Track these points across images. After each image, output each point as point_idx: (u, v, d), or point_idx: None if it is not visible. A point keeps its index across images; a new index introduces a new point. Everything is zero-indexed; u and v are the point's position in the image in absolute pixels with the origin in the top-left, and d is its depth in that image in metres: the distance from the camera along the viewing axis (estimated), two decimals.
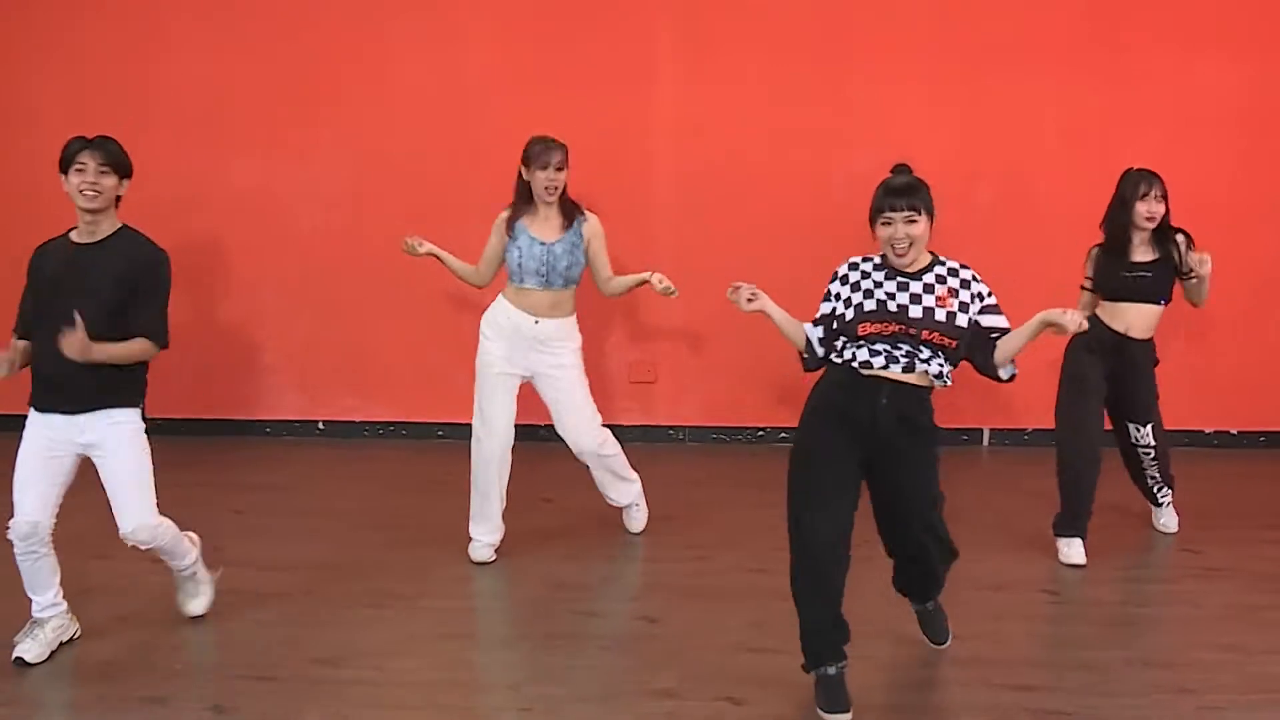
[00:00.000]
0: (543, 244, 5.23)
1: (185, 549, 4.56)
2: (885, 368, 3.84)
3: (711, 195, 6.97)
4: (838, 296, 3.97)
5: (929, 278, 3.87)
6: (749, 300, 4.04)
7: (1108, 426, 5.51)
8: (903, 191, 3.84)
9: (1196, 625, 4.71)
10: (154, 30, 7.04)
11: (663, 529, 5.75)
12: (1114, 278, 5.30)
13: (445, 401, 7.32)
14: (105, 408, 4.26)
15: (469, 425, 7.35)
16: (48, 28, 7.08)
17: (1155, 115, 6.69)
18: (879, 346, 3.84)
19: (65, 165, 4.21)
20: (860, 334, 3.85)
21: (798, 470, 3.91)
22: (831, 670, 3.94)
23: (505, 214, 5.35)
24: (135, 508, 4.31)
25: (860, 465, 3.91)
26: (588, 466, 5.56)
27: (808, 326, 4.08)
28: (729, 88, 6.95)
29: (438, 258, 5.53)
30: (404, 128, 7.04)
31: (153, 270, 4.29)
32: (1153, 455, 5.51)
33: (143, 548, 4.38)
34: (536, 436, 7.07)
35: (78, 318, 4.01)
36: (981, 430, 7.25)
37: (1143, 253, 5.30)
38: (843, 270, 4.00)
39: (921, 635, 4.42)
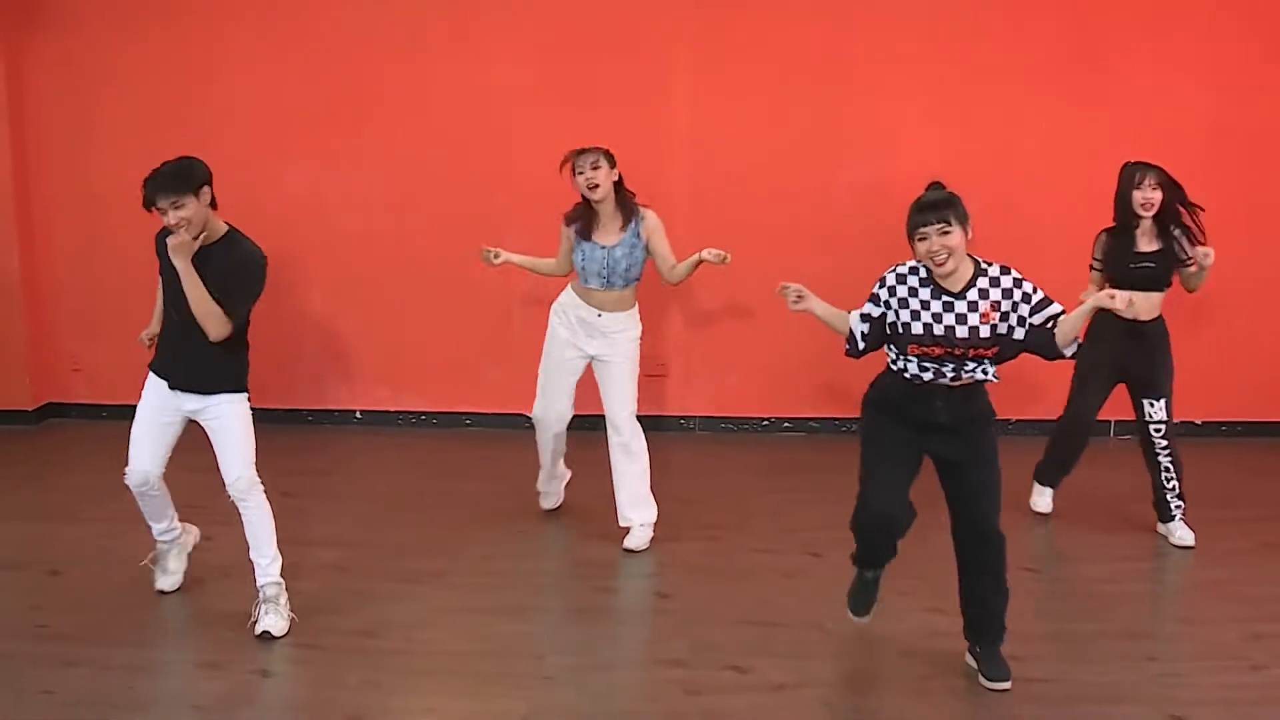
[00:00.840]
0: (604, 248, 5.21)
1: (269, 532, 4.46)
2: (935, 380, 3.83)
3: (722, 203, 6.98)
4: (887, 305, 3.88)
5: (972, 294, 3.76)
6: (796, 300, 4.03)
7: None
8: (933, 206, 3.74)
9: (1161, 599, 4.76)
10: (213, 52, 7.07)
11: (676, 511, 5.75)
12: (1121, 267, 5.27)
13: (474, 393, 7.37)
14: (214, 393, 4.37)
15: (496, 415, 7.42)
16: (118, 50, 7.13)
17: (1130, 133, 6.68)
18: (928, 364, 3.82)
19: (148, 206, 4.20)
20: (910, 353, 3.82)
21: (866, 444, 3.98)
22: (869, 575, 4.08)
23: (564, 223, 5.35)
24: (239, 462, 4.39)
25: (922, 450, 3.93)
26: (614, 479, 5.42)
27: (853, 318, 4.00)
28: (739, 104, 6.96)
29: (516, 264, 5.56)
30: (440, 141, 7.07)
31: (247, 265, 4.29)
32: (1163, 433, 5.38)
33: (241, 499, 4.41)
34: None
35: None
36: None
37: (1146, 243, 5.28)
38: (891, 280, 3.88)
39: (980, 681, 4.05)
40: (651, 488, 5.40)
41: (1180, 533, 5.37)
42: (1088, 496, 5.84)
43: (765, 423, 7.32)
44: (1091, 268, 5.42)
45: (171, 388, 4.39)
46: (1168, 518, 5.42)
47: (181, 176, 4.14)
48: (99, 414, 7.43)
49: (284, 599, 4.45)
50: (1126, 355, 5.33)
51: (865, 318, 3.95)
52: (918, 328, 3.78)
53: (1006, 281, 3.77)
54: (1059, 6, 6.83)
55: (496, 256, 5.49)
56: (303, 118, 7.11)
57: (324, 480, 6.30)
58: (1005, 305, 3.75)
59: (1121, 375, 5.41)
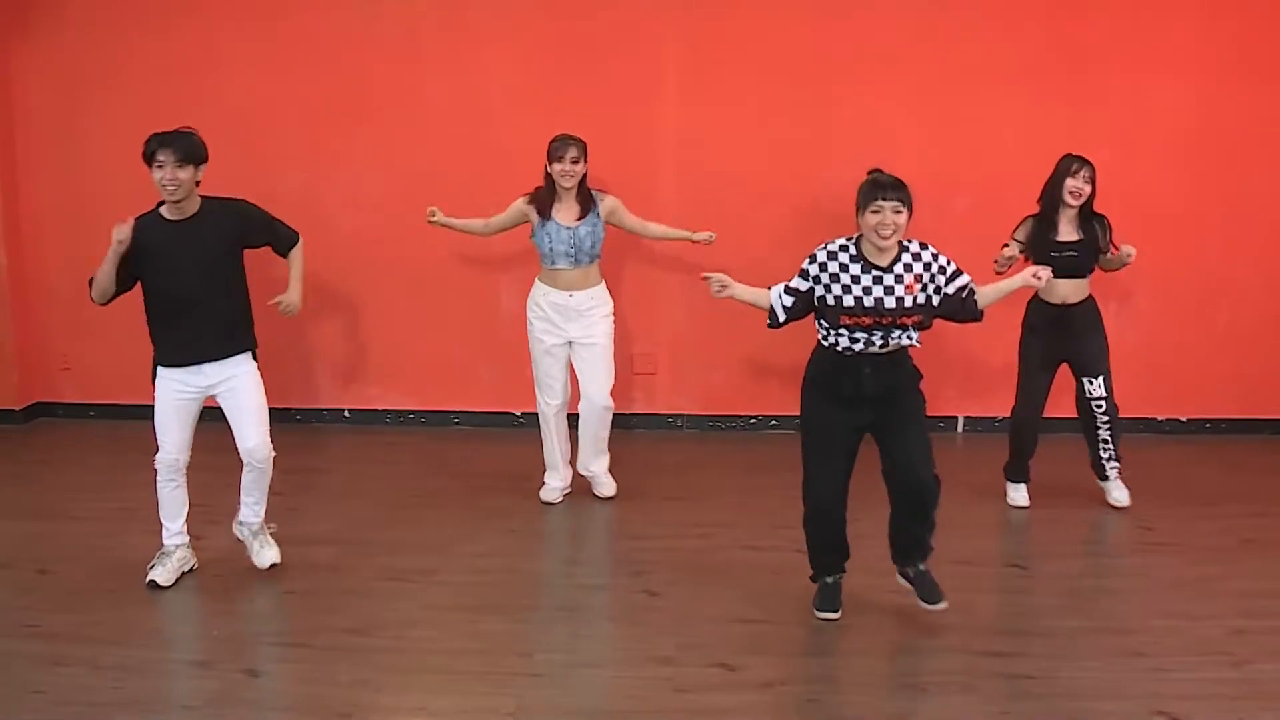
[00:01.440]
0: (568, 228, 5.56)
1: (267, 486, 4.89)
2: (865, 349, 4.13)
3: (711, 202, 6.97)
4: (816, 280, 4.17)
5: (898, 268, 4.10)
6: (720, 289, 4.36)
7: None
8: (892, 186, 4.06)
9: (1148, 595, 4.75)
10: (206, 52, 7.03)
11: (664, 509, 5.76)
12: (1043, 255, 5.37)
13: (463, 392, 7.34)
14: (232, 354, 4.66)
15: (485, 413, 7.43)
16: (113, 50, 7.08)
17: (1111, 132, 6.70)
18: (858, 334, 4.12)
19: (148, 160, 4.42)
20: (841, 323, 4.11)
21: (806, 436, 4.34)
22: (829, 580, 4.45)
23: (524, 200, 5.70)
24: (258, 430, 4.72)
25: (856, 430, 4.26)
26: (580, 435, 5.85)
27: (774, 293, 4.31)
28: (727, 106, 6.95)
29: (448, 225, 5.92)
30: (432, 141, 7.04)
31: (246, 213, 4.71)
32: (1104, 409, 5.56)
33: (258, 465, 4.76)
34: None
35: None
36: (956, 418, 7.26)
37: (1068, 232, 5.47)
38: (821, 257, 4.18)
39: (919, 604, 4.39)
40: (640, 485, 5.62)
41: (1116, 493, 5.68)
42: (1072, 493, 5.85)
43: (753, 420, 7.31)
44: (1008, 243, 5.52)
45: (190, 363, 4.59)
46: (1104, 477, 5.72)
47: (195, 144, 4.46)
48: (88, 413, 7.40)
49: (268, 534, 4.92)
50: (1061, 338, 5.55)
51: (791, 291, 4.26)
52: (849, 300, 4.09)
53: (926, 256, 4.14)
54: (1043, 7, 6.83)
55: (433, 215, 5.85)
56: (295, 119, 7.07)
57: (313, 479, 6.27)
58: (925, 277, 4.12)
59: (1061, 356, 5.61)
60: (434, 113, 7.04)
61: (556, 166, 5.52)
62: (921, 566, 4.39)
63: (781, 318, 4.31)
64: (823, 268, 4.15)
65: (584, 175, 5.60)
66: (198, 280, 4.53)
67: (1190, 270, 6.98)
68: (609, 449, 5.96)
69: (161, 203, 4.54)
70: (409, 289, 7.20)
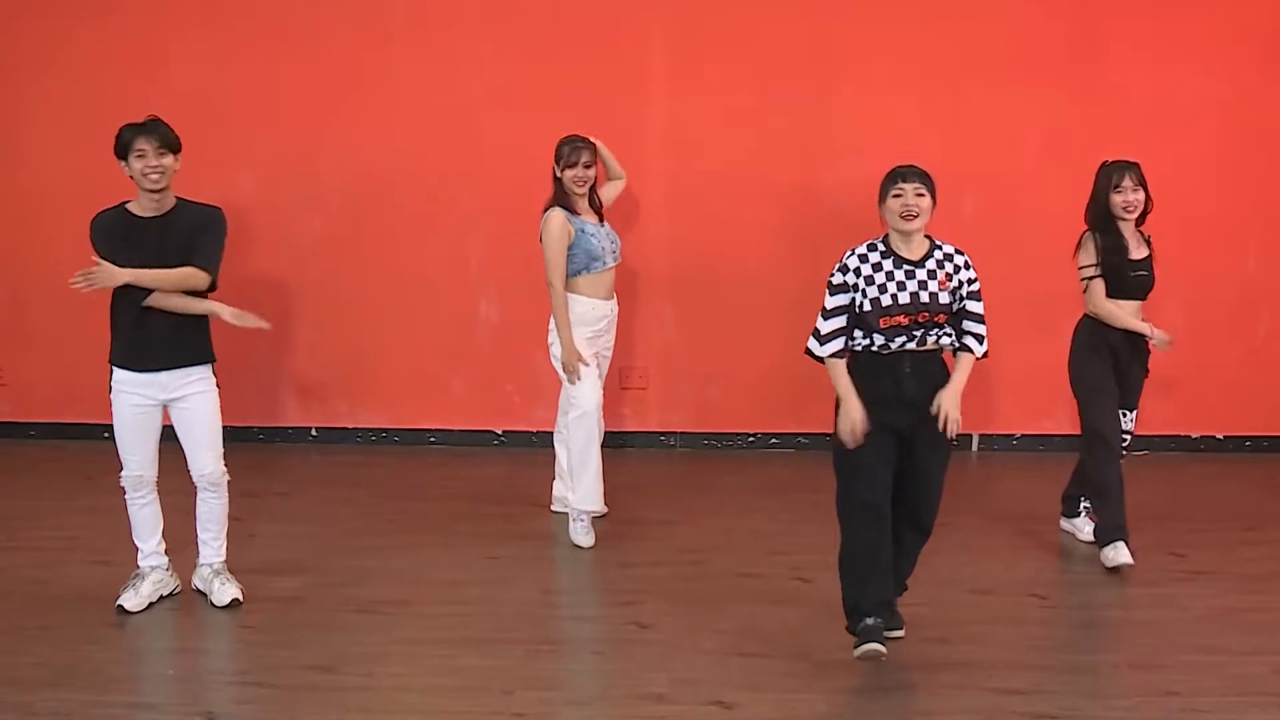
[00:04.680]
0: (602, 227, 5.65)
1: (225, 517, 4.91)
2: (904, 345, 4.16)
3: (702, 204, 6.96)
4: (854, 287, 4.17)
5: (930, 264, 4.18)
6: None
7: None
8: (913, 171, 4.19)
9: (1181, 628, 4.71)
10: (157, 43, 6.99)
11: (655, 533, 5.74)
12: (1123, 276, 5.28)
13: (438, 408, 7.30)
14: (190, 364, 4.68)
15: (461, 431, 7.42)
16: (52, 37, 7.03)
17: (1132, 127, 6.69)
18: (897, 336, 4.15)
19: (123, 152, 4.50)
20: (881, 326, 4.13)
21: (841, 444, 4.20)
22: (871, 622, 4.18)
23: (554, 212, 5.49)
24: (211, 453, 4.78)
25: (894, 433, 4.19)
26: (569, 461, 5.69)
27: (823, 324, 4.20)
28: (720, 99, 6.94)
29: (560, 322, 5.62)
30: (404, 139, 7.01)
31: (211, 223, 4.68)
32: (1126, 444, 5.48)
33: (211, 490, 4.81)
34: (529, 444, 7.07)
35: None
36: (971, 436, 7.24)
37: (1137, 249, 5.32)
38: (853, 262, 4.20)
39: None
40: (630, 507, 5.65)
41: (1087, 529, 5.57)
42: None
43: (751, 439, 7.29)
44: (1090, 276, 5.31)
45: (144, 369, 4.60)
46: (1074, 513, 5.67)
47: (170, 132, 4.55)
48: (26, 433, 7.33)
49: (228, 573, 4.92)
50: (1120, 365, 5.39)
51: (836, 311, 4.19)
52: (886, 299, 4.13)
53: (959, 260, 4.22)
54: None
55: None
56: (254, 113, 7.04)
57: (277, 503, 6.23)
58: (955, 280, 4.19)
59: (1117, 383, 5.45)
60: (404, 107, 7.01)
61: (570, 173, 5.49)
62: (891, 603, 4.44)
63: (828, 347, 4.20)
64: (856, 272, 4.17)
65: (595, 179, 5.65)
66: None
67: (1225, 277, 6.96)
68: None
69: (124, 202, 4.61)
70: (379, 298, 7.17)
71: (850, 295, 4.16)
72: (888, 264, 4.15)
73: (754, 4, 6.88)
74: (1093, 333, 5.38)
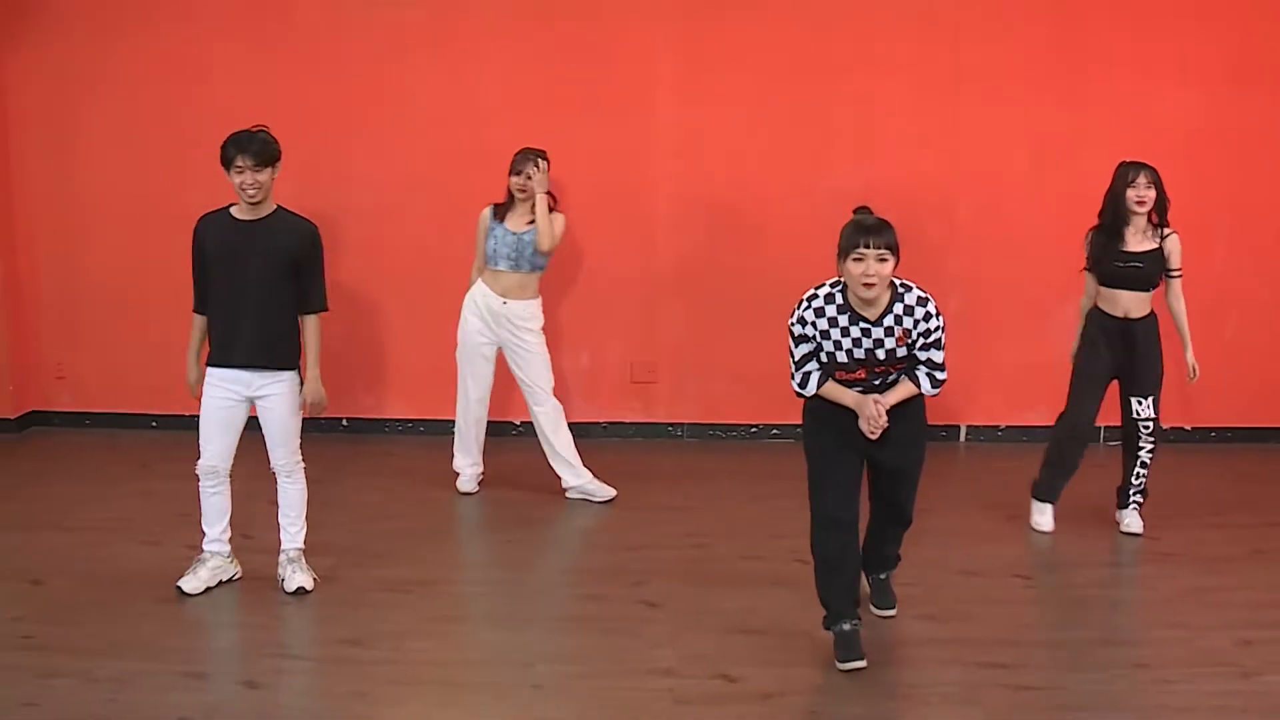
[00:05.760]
0: (514, 233, 5.83)
1: (302, 504, 4.96)
2: (865, 391, 4.11)
3: (708, 209, 7.00)
4: (811, 338, 4.04)
5: (888, 320, 3.97)
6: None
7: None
8: (876, 230, 3.88)
9: (1152, 606, 4.78)
10: (198, 58, 7.04)
11: (663, 518, 5.78)
12: (1108, 266, 5.35)
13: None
14: (279, 369, 4.74)
15: None
16: (98, 54, 7.10)
17: (1114, 138, 6.68)
18: (855, 386, 4.11)
19: (226, 164, 4.57)
20: (838, 377, 4.09)
21: (810, 451, 4.25)
22: (846, 626, 4.17)
23: (487, 211, 5.98)
24: (287, 445, 4.86)
25: (859, 449, 4.17)
26: (544, 447, 6.03)
27: (808, 368, 4.12)
28: (724, 110, 6.98)
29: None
30: (427, 149, 7.05)
31: (311, 244, 4.78)
32: (1150, 431, 5.45)
33: (286, 478, 4.89)
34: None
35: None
36: (959, 427, 7.28)
37: (1137, 242, 5.35)
38: (809, 315, 4.03)
39: (870, 608, 4.59)
40: (639, 494, 5.69)
41: (1129, 519, 5.56)
42: (1078, 503, 5.84)
43: (754, 430, 7.33)
44: (1087, 270, 5.47)
45: (230, 365, 4.68)
46: (1126, 504, 5.61)
47: (270, 147, 4.61)
48: (83, 421, 7.41)
49: (304, 562, 4.90)
50: (1118, 353, 5.42)
51: (805, 358, 4.10)
52: (842, 356, 4.03)
53: (919, 313, 3.97)
54: (1043, 11, 6.87)
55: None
56: (289, 125, 7.03)
57: (310, 489, 6.22)
58: (912, 334, 3.99)
59: (1115, 373, 5.48)
60: (426, 119, 7.06)
61: (512, 179, 5.86)
62: (883, 576, 4.61)
63: (813, 388, 4.14)
64: (814, 325, 4.02)
65: (542, 188, 5.83)
66: (261, 280, 4.63)
67: (1196, 279, 6.93)
68: (583, 461, 6.06)
69: (229, 205, 4.72)
70: (404, 298, 7.22)
71: (813, 342, 4.04)
72: (843, 319, 3.97)
73: (757, 19, 6.92)
74: (1091, 322, 5.47)
